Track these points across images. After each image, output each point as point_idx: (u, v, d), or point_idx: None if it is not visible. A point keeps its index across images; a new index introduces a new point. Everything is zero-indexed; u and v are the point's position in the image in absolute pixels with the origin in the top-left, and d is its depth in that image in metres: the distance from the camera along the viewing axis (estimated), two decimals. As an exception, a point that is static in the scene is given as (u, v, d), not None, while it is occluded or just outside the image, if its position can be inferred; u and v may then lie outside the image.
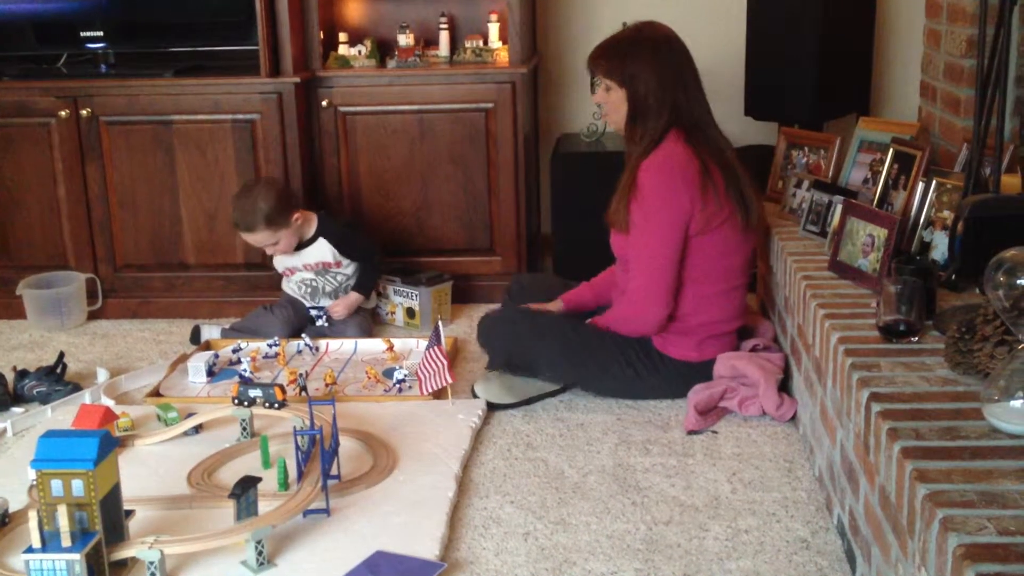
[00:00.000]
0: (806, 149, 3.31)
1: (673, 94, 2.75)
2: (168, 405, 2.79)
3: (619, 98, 2.81)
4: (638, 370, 2.81)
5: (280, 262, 3.45)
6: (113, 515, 2.01)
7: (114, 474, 2.03)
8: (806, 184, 3.08)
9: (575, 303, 3.05)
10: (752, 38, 3.69)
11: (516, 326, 2.88)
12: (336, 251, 3.40)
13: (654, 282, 2.75)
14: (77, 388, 3.01)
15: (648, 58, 2.76)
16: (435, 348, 2.80)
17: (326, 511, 2.27)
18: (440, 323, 2.88)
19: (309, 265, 3.42)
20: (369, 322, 3.48)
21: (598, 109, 3.97)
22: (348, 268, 3.44)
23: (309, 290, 3.46)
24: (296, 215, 3.31)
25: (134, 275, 3.71)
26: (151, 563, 2.00)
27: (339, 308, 3.41)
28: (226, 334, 3.39)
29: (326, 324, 3.41)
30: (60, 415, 2.86)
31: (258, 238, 3.30)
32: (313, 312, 3.44)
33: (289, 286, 3.50)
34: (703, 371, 2.83)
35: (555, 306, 3.05)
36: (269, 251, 3.38)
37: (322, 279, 3.44)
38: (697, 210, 2.71)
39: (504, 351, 2.88)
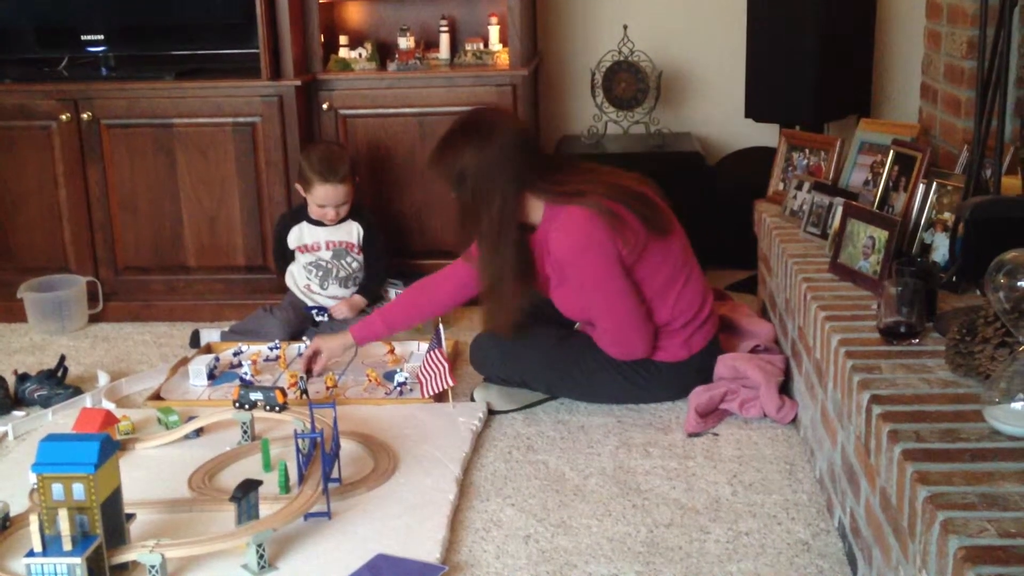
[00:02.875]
0: (807, 151, 3.31)
1: (503, 173, 2.65)
2: (169, 408, 2.79)
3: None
4: (632, 379, 2.81)
5: (300, 235, 3.47)
6: (114, 519, 2.01)
7: (115, 478, 2.03)
8: (807, 186, 3.08)
9: (365, 335, 3.02)
10: (752, 40, 3.69)
11: (506, 350, 2.85)
12: (362, 235, 3.47)
13: (622, 325, 2.75)
14: (78, 391, 3.01)
15: (470, 150, 2.65)
16: (436, 351, 2.80)
17: (327, 514, 2.27)
18: (441, 326, 2.88)
19: (332, 243, 3.46)
20: None
21: (598, 111, 3.99)
22: (362, 260, 3.49)
23: (320, 273, 3.48)
24: (356, 178, 3.47)
25: (135, 278, 3.72)
26: (152, 567, 2.00)
27: (343, 308, 3.43)
28: (226, 336, 3.40)
29: (326, 319, 3.42)
30: (61, 418, 2.87)
31: (340, 191, 3.38)
32: (314, 311, 3.44)
33: (296, 271, 3.51)
34: (695, 366, 2.83)
35: (343, 338, 3.01)
36: (331, 214, 3.41)
37: (337, 263, 3.46)
38: (621, 247, 2.67)
39: (496, 376, 2.88)
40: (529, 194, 2.72)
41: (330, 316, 3.43)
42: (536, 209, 2.75)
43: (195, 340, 3.41)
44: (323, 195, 3.36)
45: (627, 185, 2.76)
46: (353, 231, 3.47)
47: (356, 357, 3.25)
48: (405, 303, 3.05)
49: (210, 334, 3.41)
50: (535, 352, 2.84)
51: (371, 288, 3.51)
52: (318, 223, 3.46)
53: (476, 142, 2.67)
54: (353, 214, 3.47)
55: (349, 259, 3.47)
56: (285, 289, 3.58)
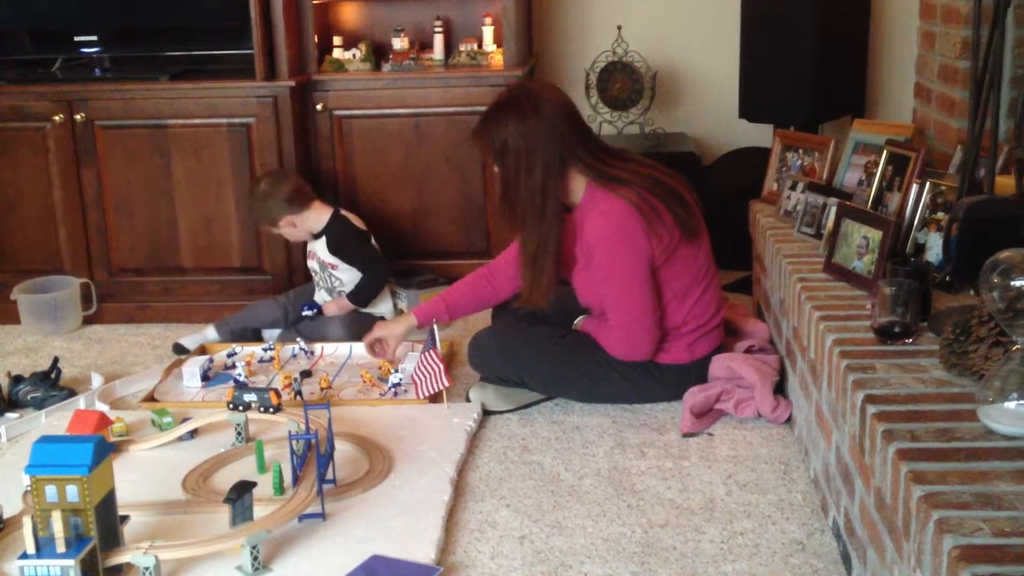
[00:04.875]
0: (801, 151, 3.31)
1: (548, 149, 2.66)
2: (163, 410, 2.78)
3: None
4: (631, 379, 2.81)
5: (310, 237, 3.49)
6: (108, 520, 2.01)
7: (109, 479, 2.02)
8: (801, 186, 3.08)
9: (427, 320, 2.98)
10: (746, 40, 3.70)
11: (505, 349, 2.86)
12: (329, 252, 3.40)
13: (634, 322, 2.74)
14: (72, 393, 3.01)
15: (514, 121, 2.66)
16: (431, 352, 2.80)
17: (322, 515, 2.27)
18: (436, 327, 2.88)
19: (316, 256, 3.46)
20: (357, 327, 3.38)
21: (593, 112, 3.99)
22: (343, 274, 3.42)
23: (315, 279, 3.51)
24: (284, 221, 3.35)
25: (129, 279, 3.71)
26: (146, 568, 2.00)
27: (332, 307, 3.43)
28: (222, 329, 3.39)
29: (313, 314, 3.41)
30: (55, 420, 2.86)
31: (266, 229, 3.44)
32: (306, 307, 3.44)
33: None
34: (695, 371, 2.83)
35: (407, 321, 3.02)
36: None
37: (321, 274, 3.46)
38: (655, 247, 2.69)
39: (495, 375, 2.87)
40: (572, 170, 2.72)
41: (320, 313, 3.43)
42: (578, 187, 2.74)
43: (180, 352, 3.38)
44: None
45: (667, 182, 2.76)
46: (324, 248, 3.41)
47: (351, 358, 3.25)
48: (467, 292, 3.03)
49: (193, 341, 3.38)
50: (534, 350, 2.83)
51: (357, 296, 3.42)
52: (314, 236, 3.45)
53: (519, 113, 2.67)
54: (326, 229, 3.40)
55: (327, 274, 3.44)
56: (279, 290, 3.59)
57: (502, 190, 2.76)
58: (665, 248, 2.70)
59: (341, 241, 3.41)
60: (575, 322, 2.98)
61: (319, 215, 3.41)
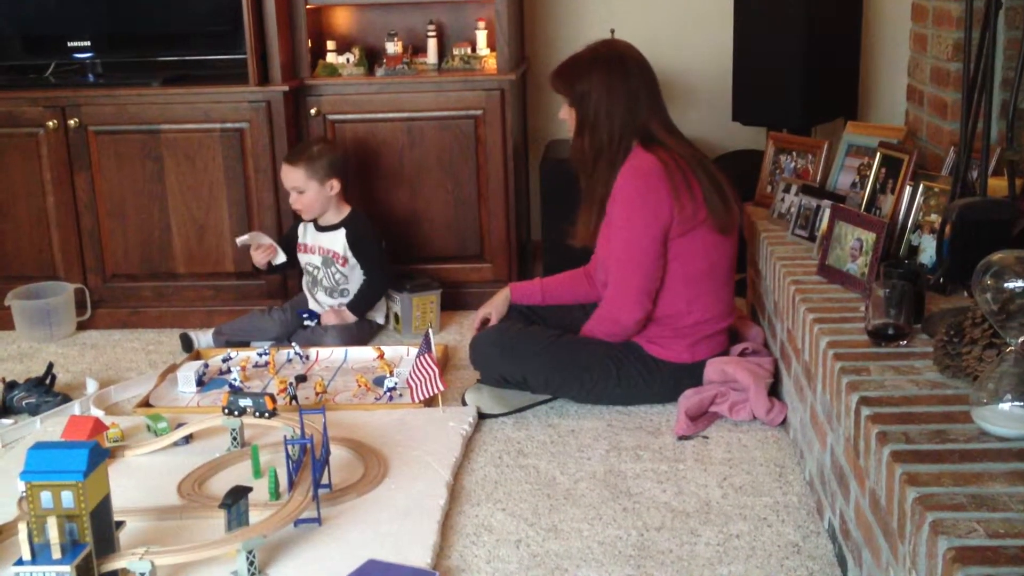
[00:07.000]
0: (794, 154, 3.32)
1: (625, 111, 2.78)
2: (158, 415, 2.78)
3: (574, 115, 2.87)
4: (632, 378, 2.81)
5: (304, 232, 3.49)
6: (103, 526, 2.00)
7: (104, 485, 2.02)
8: (794, 189, 3.09)
9: (521, 297, 3.10)
10: (739, 43, 3.71)
11: (505, 347, 2.86)
12: (348, 245, 3.42)
13: (626, 283, 2.77)
14: (66, 399, 3.00)
15: (599, 76, 2.79)
16: (426, 356, 2.80)
17: (317, 520, 2.27)
18: (430, 331, 2.88)
19: (323, 249, 3.45)
20: (353, 335, 3.43)
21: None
22: (350, 272, 3.44)
23: (311, 278, 3.50)
24: (333, 181, 3.38)
25: (123, 285, 3.70)
26: (142, 574, 1.99)
27: (331, 317, 3.42)
28: (217, 336, 3.38)
29: (315, 324, 3.42)
30: (49, 426, 2.85)
31: (292, 176, 3.37)
32: (305, 315, 3.44)
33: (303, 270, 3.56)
34: (696, 372, 2.83)
35: (502, 295, 3.10)
36: (294, 203, 3.42)
37: (324, 271, 3.45)
38: (675, 213, 2.73)
39: (496, 374, 2.87)
40: (634, 135, 2.81)
41: (319, 323, 3.42)
42: (630, 148, 2.82)
43: (187, 344, 3.39)
44: (282, 176, 3.41)
45: (711, 167, 2.83)
46: (339, 240, 3.44)
47: (346, 362, 3.25)
48: (564, 283, 3.11)
49: (201, 336, 3.39)
50: (534, 347, 2.84)
51: (358, 306, 3.44)
52: (321, 228, 3.45)
53: (607, 71, 2.79)
54: (345, 222, 3.45)
55: (333, 270, 3.44)
56: (272, 295, 3.58)
57: (576, 135, 2.86)
58: (685, 220, 2.73)
59: (361, 236, 3.44)
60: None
61: (341, 205, 3.46)
